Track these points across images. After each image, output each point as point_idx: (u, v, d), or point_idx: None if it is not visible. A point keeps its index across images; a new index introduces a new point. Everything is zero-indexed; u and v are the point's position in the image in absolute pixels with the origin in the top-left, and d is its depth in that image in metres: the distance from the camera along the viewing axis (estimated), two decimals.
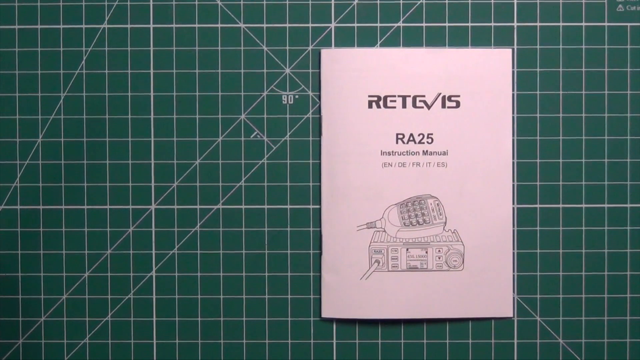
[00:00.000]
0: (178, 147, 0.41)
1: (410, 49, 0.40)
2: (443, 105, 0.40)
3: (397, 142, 0.40)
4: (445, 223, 0.40)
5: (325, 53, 0.40)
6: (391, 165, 0.40)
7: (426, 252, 0.40)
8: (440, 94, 0.40)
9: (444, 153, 0.40)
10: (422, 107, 0.40)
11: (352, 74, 0.40)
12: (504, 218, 0.40)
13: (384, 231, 0.40)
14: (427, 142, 0.40)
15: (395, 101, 0.40)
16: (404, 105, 0.40)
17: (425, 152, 0.40)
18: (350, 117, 0.40)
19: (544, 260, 0.41)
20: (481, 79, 0.40)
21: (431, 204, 0.40)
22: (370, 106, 0.40)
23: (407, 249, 0.40)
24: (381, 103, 0.40)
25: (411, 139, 0.40)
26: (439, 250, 0.40)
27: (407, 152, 0.40)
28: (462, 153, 0.40)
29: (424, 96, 0.40)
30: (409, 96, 0.40)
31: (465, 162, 0.40)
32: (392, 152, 0.40)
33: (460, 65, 0.40)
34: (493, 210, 0.40)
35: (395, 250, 0.40)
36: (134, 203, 0.41)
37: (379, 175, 0.40)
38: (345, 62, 0.40)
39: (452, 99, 0.40)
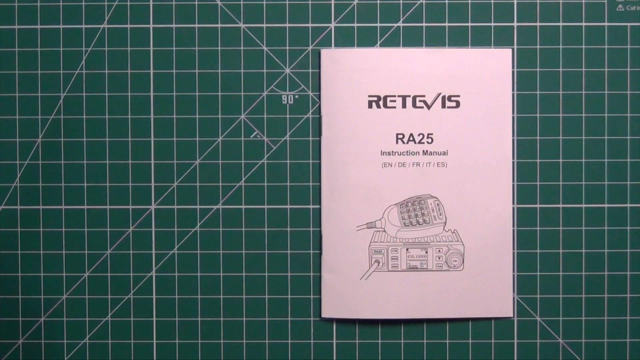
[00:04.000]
0: (178, 147, 0.41)
1: (410, 49, 0.40)
2: (443, 105, 0.40)
3: (397, 142, 0.40)
4: (445, 223, 0.40)
5: (325, 53, 0.40)
6: (391, 165, 0.40)
7: (426, 252, 0.40)
8: (440, 94, 0.40)
9: (444, 153, 0.40)
10: (422, 107, 0.40)
11: (352, 74, 0.40)
12: (504, 218, 0.40)
13: (384, 231, 0.40)
14: (427, 142, 0.40)
15: (395, 101, 0.40)
16: (404, 105, 0.40)
17: (425, 152, 0.40)
18: (350, 117, 0.40)
19: (544, 260, 0.41)
20: (481, 79, 0.40)
21: (431, 204, 0.40)
22: (370, 106, 0.40)
23: (407, 249, 0.40)
24: (381, 103, 0.40)
25: (411, 139, 0.40)
26: (439, 250, 0.40)
27: (407, 152, 0.40)
28: (462, 153, 0.40)
29: (424, 96, 0.40)
30: (409, 96, 0.40)
31: (465, 162, 0.40)
32: (392, 152, 0.40)
33: (460, 65, 0.40)
34: (493, 210, 0.40)
35: (395, 250, 0.40)
36: (134, 203, 0.41)
37: (379, 175, 0.40)
38: (345, 62, 0.40)
39: (452, 99, 0.40)
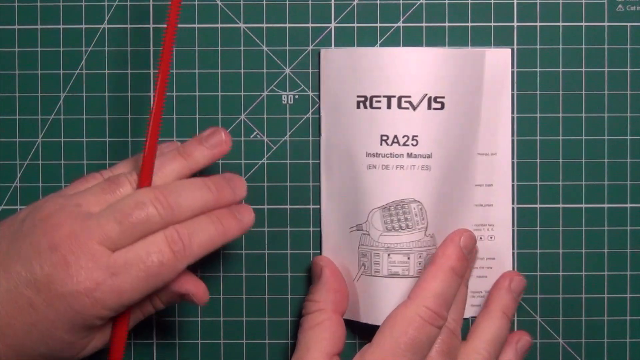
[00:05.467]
0: None
1: (396, 48, 0.39)
2: (429, 107, 0.38)
3: (381, 144, 0.38)
4: (427, 228, 0.38)
5: (323, 53, 0.40)
6: (375, 168, 0.38)
7: (408, 258, 0.38)
8: (426, 95, 0.38)
9: (429, 156, 0.38)
10: (408, 108, 0.38)
11: (343, 73, 0.39)
12: (468, 223, 0.39)
13: (369, 234, 0.38)
14: (412, 144, 0.38)
15: (380, 102, 0.38)
16: (389, 106, 0.38)
17: (409, 155, 0.38)
18: (342, 117, 0.39)
19: (544, 260, 0.41)
20: (466, 79, 0.38)
21: (414, 209, 0.38)
22: (358, 107, 0.39)
23: (389, 255, 0.38)
24: (367, 103, 0.38)
25: (395, 140, 0.38)
26: (420, 256, 0.38)
27: (390, 154, 0.38)
28: (447, 156, 0.38)
29: (409, 97, 0.38)
30: (394, 97, 0.38)
31: (449, 166, 0.38)
32: (377, 154, 0.38)
33: (446, 66, 0.38)
34: (465, 215, 0.39)
35: (378, 255, 0.38)
36: None
37: (364, 178, 0.38)
38: (338, 62, 0.39)
39: (438, 100, 0.38)
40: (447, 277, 0.35)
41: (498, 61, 0.40)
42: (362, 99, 0.38)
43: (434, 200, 0.38)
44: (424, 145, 0.38)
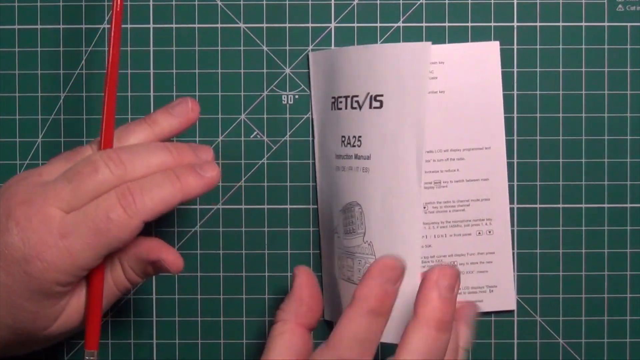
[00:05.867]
0: None
1: (350, 47, 0.37)
2: (370, 106, 0.36)
3: (341, 145, 0.37)
4: (365, 234, 0.36)
5: (311, 55, 0.40)
6: (338, 169, 0.38)
7: (352, 263, 0.36)
8: (368, 93, 0.36)
9: (368, 157, 0.36)
10: (356, 108, 0.36)
11: (322, 75, 0.39)
12: (414, 233, 0.35)
13: (339, 237, 0.38)
14: (357, 145, 0.36)
15: (342, 102, 0.37)
16: (346, 107, 0.37)
17: (355, 156, 0.36)
18: (323, 119, 0.39)
19: (544, 260, 0.41)
20: (406, 75, 0.35)
21: (357, 212, 0.36)
22: (331, 108, 0.38)
23: (346, 258, 0.37)
24: (335, 105, 0.38)
25: (348, 141, 0.37)
26: (359, 263, 0.36)
27: (345, 155, 0.37)
28: (384, 158, 0.35)
29: (357, 96, 0.36)
30: (349, 97, 0.37)
31: (386, 168, 0.35)
32: (338, 155, 0.38)
33: (384, 63, 0.36)
34: (408, 222, 0.35)
35: (341, 258, 0.38)
36: None
37: (333, 179, 0.38)
38: (319, 64, 0.39)
39: (377, 98, 0.36)
40: (365, 322, 0.30)
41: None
42: (333, 100, 0.38)
43: (372, 204, 0.35)
44: (365, 146, 0.36)
